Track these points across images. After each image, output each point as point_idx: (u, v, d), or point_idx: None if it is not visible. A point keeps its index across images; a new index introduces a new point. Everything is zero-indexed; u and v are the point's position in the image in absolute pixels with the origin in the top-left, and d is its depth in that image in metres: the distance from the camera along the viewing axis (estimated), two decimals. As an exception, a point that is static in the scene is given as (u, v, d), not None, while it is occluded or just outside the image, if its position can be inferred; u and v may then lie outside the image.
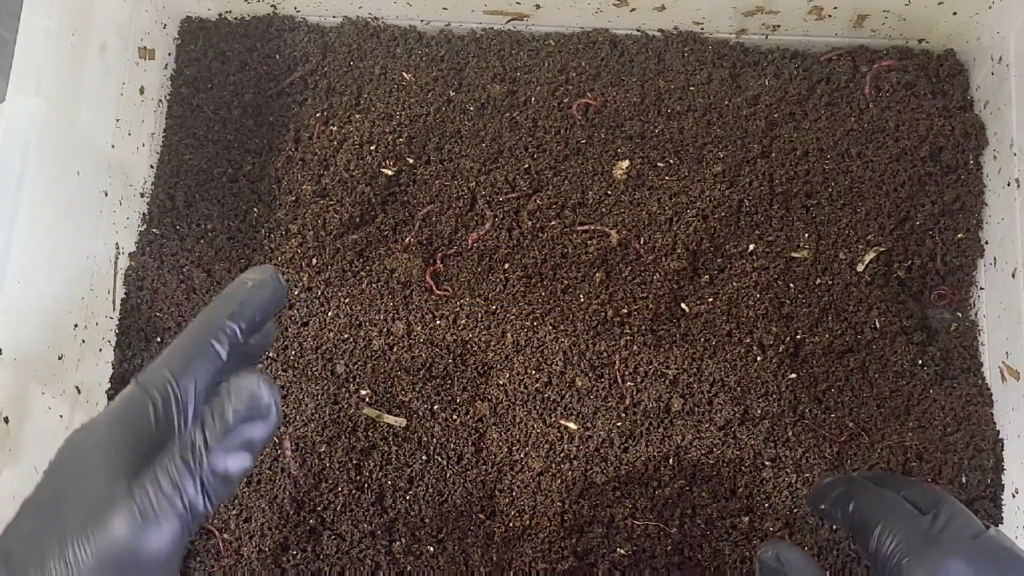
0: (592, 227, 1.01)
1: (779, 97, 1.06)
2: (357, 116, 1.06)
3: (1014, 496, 0.95)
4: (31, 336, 0.86)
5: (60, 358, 0.90)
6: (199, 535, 0.95)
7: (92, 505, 0.59)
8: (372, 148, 1.04)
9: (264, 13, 1.12)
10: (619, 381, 0.97)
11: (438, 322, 0.99)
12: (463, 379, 0.98)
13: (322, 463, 0.95)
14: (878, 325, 1.00)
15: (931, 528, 0.68)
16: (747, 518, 0.94)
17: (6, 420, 0.81)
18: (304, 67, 1.10)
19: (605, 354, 0.98)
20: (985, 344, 1.01)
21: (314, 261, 1.01)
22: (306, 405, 0.96)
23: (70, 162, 0.91)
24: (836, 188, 1.04)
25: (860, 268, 1.01)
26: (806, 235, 1.02)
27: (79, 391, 0.93)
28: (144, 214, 1.04)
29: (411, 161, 1.05)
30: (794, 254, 1.02)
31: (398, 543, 0.93)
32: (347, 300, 1.00)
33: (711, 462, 0.96)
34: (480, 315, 0.99)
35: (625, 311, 1.00)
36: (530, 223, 1.02)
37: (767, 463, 0.96)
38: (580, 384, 0.97)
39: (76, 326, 0.93)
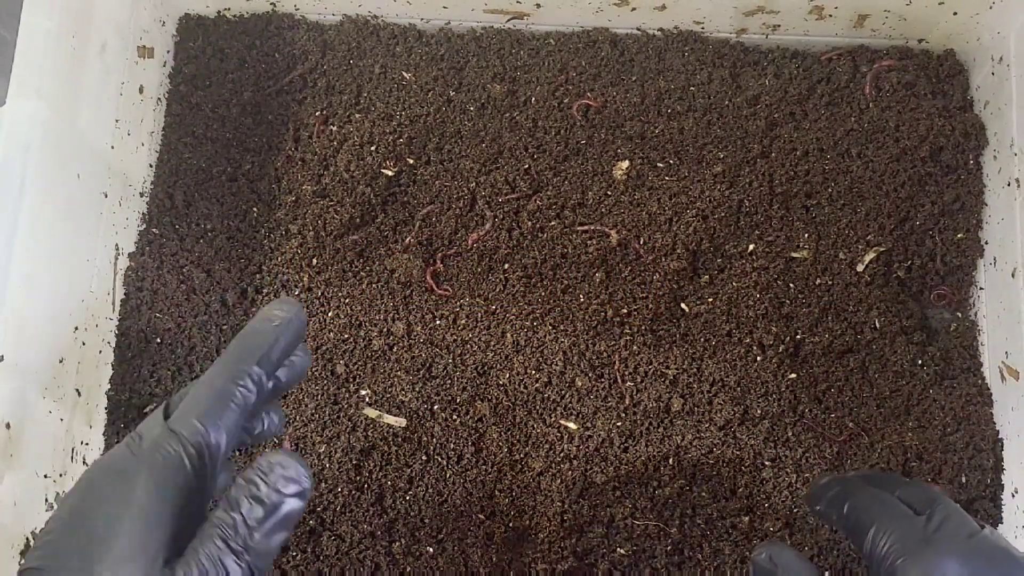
0: (592, 227, 1.01)
1: (779, 97, 1.06)
2: (357, 115, 1.06)
3: (1014, 496, 0.95)
4: (32, 341, 0.86)
5: (61, 361, 0.90)
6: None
7: None
8: (372, 148, 1.03)
9: (263, 10, 1.12)
10: (619, 381, 0.97)
11: (438, 322, 0.99)
12: (463, 379, 0.98)
13: (322, 463, 0.95)
14: (878, 325, 1.00)
15: (926, 528, 0.68)
16: (747, 518, 0.95)
17: (7, 426, 0.81)
18: (303, 65, 1.09)
19: (605, 354, 0.98)
20: (985, 344, 1.02)
21: (314, 261, 1.01)
22: (306, 405, 0.96)
23: (71, 164, 0.91)
24: (836, 188, 1.04)
25: (860, 268, 1.01)
26: (806, 235, 1.02)
27: (79, 394, 0.93)
28: (143, 214, 1.04)
29: (411, 161, 1.05)
30: (794, 254, 1.02)
31: (398, 544, 0.93)
32: (347, 300, 1.00)
33: (711, 462, 0.96)
34: (480, 315, 0.99)
35: (625, 311, 1.00)
36: (530, 223, 1.02)
37: (767, 463, 0.96)
38: (580, 384, 0.97)
39: (76, 329, 0.93)
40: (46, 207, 0.86)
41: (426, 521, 0.94)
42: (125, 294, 1.01)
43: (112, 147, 0.98)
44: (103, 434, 0.97)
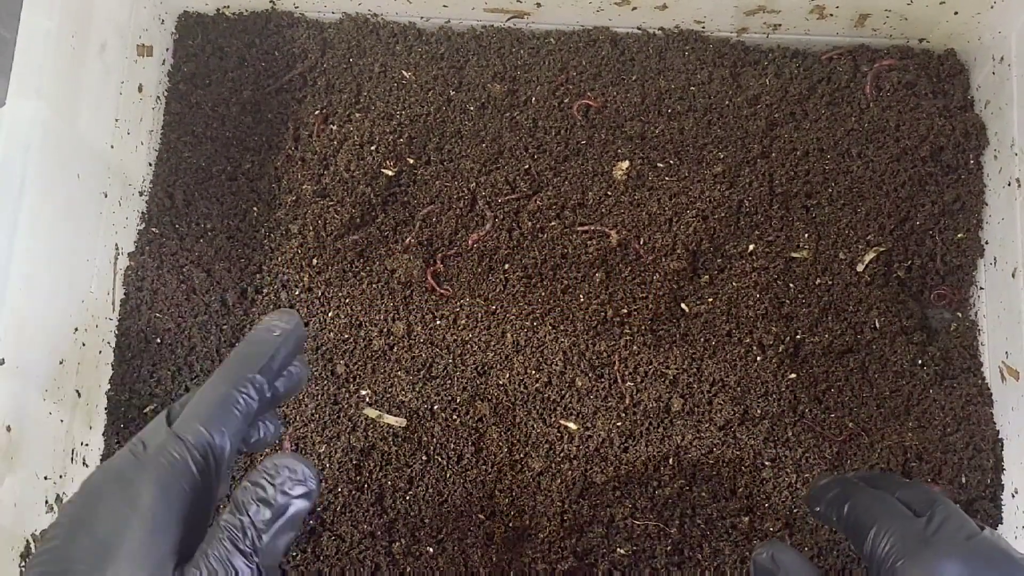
0: (592, 227, 1.01)
1: (780, 97, 1.06)
2: (357, 115, 1.05)
3: (1013, 496, 0.95)
4: (33, 343, 0.86)
5: (61, 363, 0.90)
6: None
7: None
8: (372, 148, 1.03)
9: (262, 8, 1.11)
10: (619, 381, 0.97)
11: (438, 322, 0.99)
12: (463, 379, 0.98)
13: (322, 463, 0.95)
14: (878, 325, 1.00)
15: (925, 530, 0.68)
16: (747, 518, 0.95)
17: (8, 428, 0.81)
18: (303, 64, 1.09)
19: (605, 354, 0.98)
20: (985, 344, 1.02)
21: (314, 261, 1.01)
22: (306, 405, 0.96)
23: (71, 165, 0.91)
24: (836, 188, 1.04)
25: (860, 268, 1.01)
26: (806, 235, 1.02)
27: (79, 395, 0.93)
28: (143, 213, 1.04)
29: (411, 161, 1.04)
30: (794, 254, 1.02)
31: (398, 544, 0.94)
32: (347, 300, 1.00)
33: (711, 462, 0.96)
34: (480, 315, 0.99)
35: (625, 311, 1.00)
36: (530, 223, 1.02)
37: (767, 463, 0.96)
38: (580, 384, 0.97)
39: (76, 330, 0.93)
40: (46, 207, 0.86)
41: (426, 521, 0.94)
42: (125, 294, 1.01)
43: (112, 146, 0.98)
44: (103, 435, 0.97)
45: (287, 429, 0.96)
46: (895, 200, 1.03)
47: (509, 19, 1.09)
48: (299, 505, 0.65)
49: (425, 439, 0.96)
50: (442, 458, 0.96)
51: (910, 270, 1.03)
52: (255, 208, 1.04)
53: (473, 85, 1.07)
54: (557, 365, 0.97)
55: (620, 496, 0.95)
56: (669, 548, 0.94)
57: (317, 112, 1.07)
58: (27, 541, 0.84)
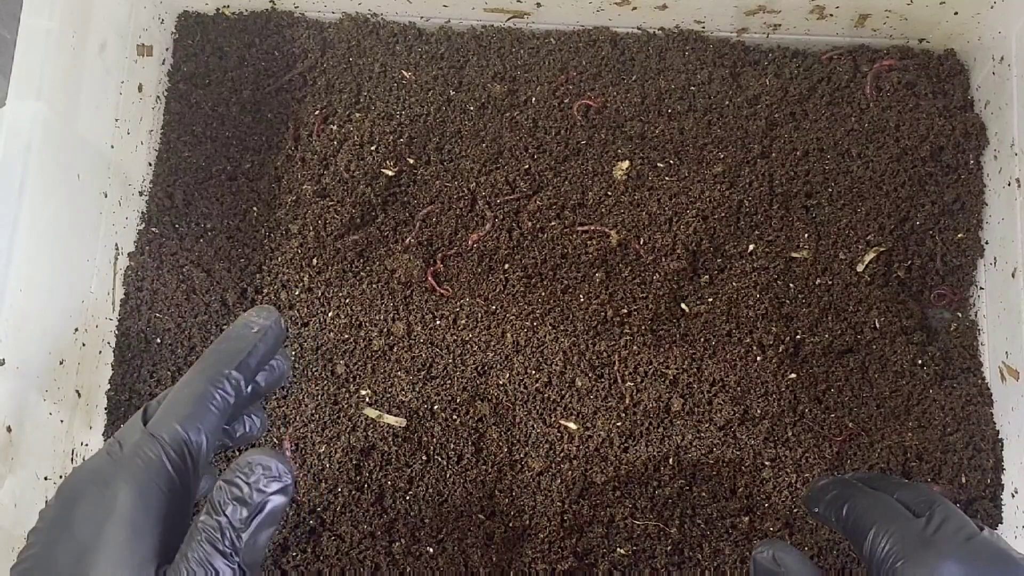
0: (592, 227, 1.01)
1: (780, 97, 1.06)
2: (357, 115, 1.05)
3: (1013, 496, 0.95)
4: (33, 343, 0.86)
5: (61, 363, 0.90)
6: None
7: None
8: (372, 148, 1.03)
9: (262, 8, 1.11)
10: (619, 381, 0.97)
11: (438, 322, 0.99)
12: (463, 379, 0.98)
13: (322, 463, 0.95)
14: (878, 325, 1.00)
15: (924, 531, 0.68)
16: (747, 518, 0.95)
17: (8, 429, 0.81)
18: (303, 64, 1.09)
19: (605, 354, 0.98)
20: (985, 344, 1.02)
21: (314, 261, 1.01)
22: (306, 405, 0.96)
23: (71, 165, 0.91)
24: (836, 188, 1.04)
25: (860, 268, 1.01)
26: (806, 235, 1.02)
27: (79, 395, 0.93)
28: (143, 213, 1.04)
29: (411, 161, 1.04)
30: (794, 254, 1.02)
31: (398, 544, 0.94)
32: (347, 300, 1.00)
33: (711, 462, 0.96)
34: (480, 315, 0.99)
35: (625, 311, 1.00)
36: (530, 224, 1.02)
37: (767, 463, 0.96)
38: (580, 384, 0.97)
39: (76, 330, 0.93)
40: (46, 207, 0.86)
41: (426, 521, 0.94)
42: (125, 294, 1.01)
43: (112, 146, 0.98)
44: (103, 435, 0.97)
45: (287, 429, 0.96)
46: (895, 200, 1.03)
47: (509, 19, 1.09)
48: (276, 501, 0.65)
49: (425, 439, 0.96)
50: (442, 458, 0.96)
51: (910, 270, 1.03)
52: (255, 208, 1.04)
53: (473, 85, 1.07)
54: (557, 365, 0.97)
55: (620, 496, 0.95)
56: (669, 548, 0.94)
57: (317, 112, 1.07)
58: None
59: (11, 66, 0.85)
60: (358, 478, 0.95)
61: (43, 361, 0.87)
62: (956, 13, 1.02)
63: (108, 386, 0.98)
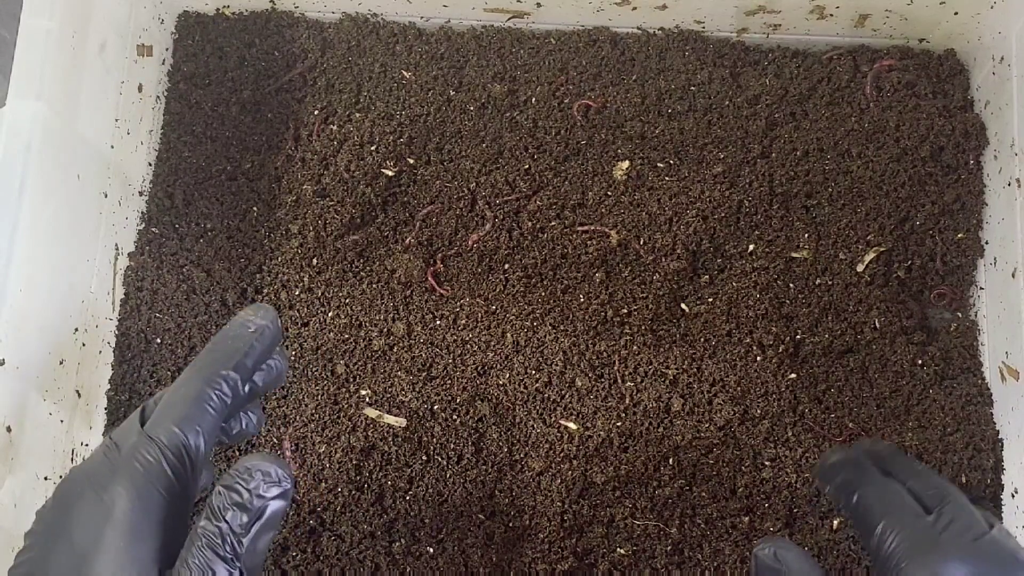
0: (592, 227, 1.01)
1: (780, 96, 1.06)
2: (357, 115, 1.05)
3: (1013, 496, 0.95)
4: (33, 344, 0.85)
5: (61, 363, 0.90)
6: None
7: None
8: (372, 148, 1.03)
9: (262, 8, 1.11)
10: (619, 381, 0.97)
11: (438, 322, 0.99)
12: (463, 379, 0.98)
13: (322, 463, 0.95)
14: (878, 325, 1.00)
15: (932, 529, 0.68)
16: (747, 518, 0.95)
17: (8, 429, 0.81)
18: (303, 64, 1.09)
19: (605, 354, 0.98)
20: (985, 344, 1.02)
21: (314, 261, 1.01)
22: (306, 405, 0.96)
23: (71, 165, 0.91)
24: (836, 188, 1.04)
25: (860, 268, 1.01)
26: (806, 235, 1.02)
27: (79, 395, 0.93)
28: (143, 213, 1.04)
29: (411, 161, 1.04)
30: (794, 254, 1.02)
31: (398, 544, 0.94)
32: (347, 300, 1.00)
33: (711, 462, 0.96)
34: (480, 315, 0.99)
35: (625, 311, 1.00)
36: (530, 224, 1.02)
37: (767, 463, 0.96)
38: (580, 384, 0.97)
39: (76, 330, 0.93)
40: (46, 207, 0.86)
41: (426, 521, 0.94)
42: (125, 294, 1.01)
43: (112, 146, 0.98)
44: (103, 435, 0.97)
45: (287, 429, 0.96)
46: (895, 200, 1.03)
47: (509, 19, 1.09)
48: (275, 506, 0.64)
49: (425, 439, 0.96)
50: (442, 458, 0.95)
51: (910, 270, 1.03)
52: (255, 208, 1.04)
53: (473, 85, 1.07)
54: (557, 365, 0.97)
55: (620, 496, 0.95)
56: (669, 548, 0.94)
57: (317, 112, 1.07)
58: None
59: (11, 66, 0.85)
60: (358, 478, 0.95)
61: (43, 361, 0.87)
62: (956, 13, 1.02)
63: (108, 386, 0.98)
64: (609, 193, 1.03)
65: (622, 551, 0.94)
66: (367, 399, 0.97)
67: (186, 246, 1.02)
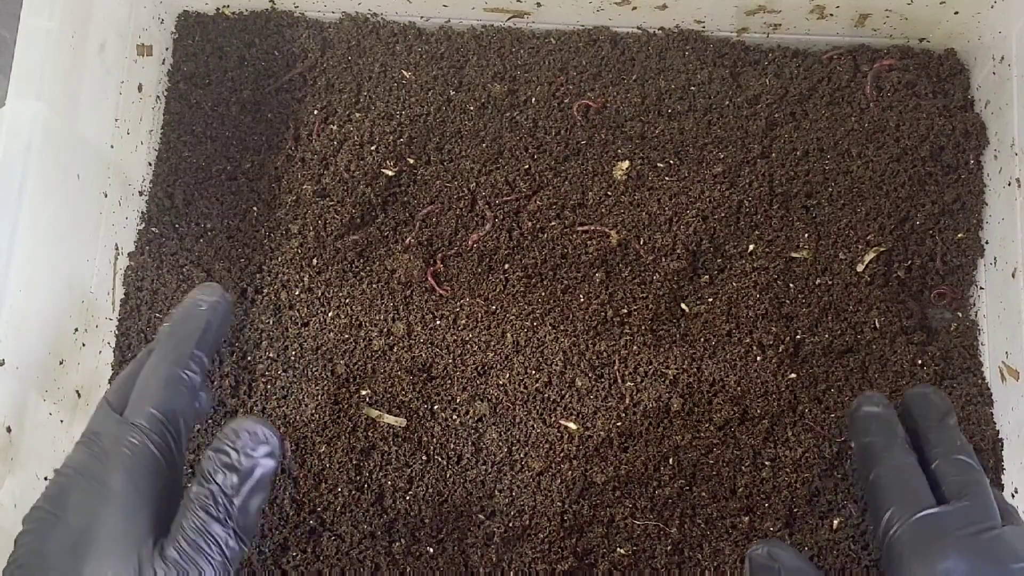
0: (592, 227, 1.01)
1: (780, 97, 1.06)
2: (357, 115, 1.05)
3: (1013, 496, 0.95)
4: (33, 344, 0.85)
5: (61, 363, 0.90)
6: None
7: None
8: (372, 148, 1.03)
9: (262, 7, 1.11)
10: (619, 381, 0.97)
11: (438, 322, 0.99)
12: (463, 379, 0.98)
13: (322, 463, 0.95)
14: (878, 325, 1.00)
15: (939, 522, 0.68)
16: (747, 518, 0.95)
17: (8, 430, 0.81)
18: (303, 63, 1.09)
19: (605, 354, 0.98)
20: (985, 344, 1.02)
21: (314, 261, 1.01)
22: (306, 405, 0.96)
23: (71, 165, 0.91)
24: (836, 188, 1.04)
25: (860, 268, 1.01)
26: (806, 235, 1.02)
27: (79, 395, 0.93)
28: (143, 212, 1.04)
29: (411, 161, 1.04)
30: (794, 254, 1.02)
31: (398, 544, 0.94)
32: (347, 300, 1.00)
33: (711, 462, 0.96)
34: (480, 315, 0.99)
35: (625, 311, 1.00)
36: (530, 224, 1.02)
37: (767, 463, 0.96)
38: (580, 384, 0.97)
39: (76, 330, 0.93)
40: (46, 207, 0.86)
41: (426, 521, 0.94)
42: (125, 294, 1.01)
43: (112, 146, 0.98)
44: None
45: (287, 429, 0.96)
46: (895, 200, 1.03)
47: (509, 19, 1.09)
48: (265, 465, 0.66)
49: (425, 439, 0.96)
50: (442, 458, 0.96)
51: (910, 270, 1.03)
52: (255, 208, 1.04)
53: (473, 85, 1.07)
54: (557, 365, 0.97)
55: (620, 496, 0.95)
56: (669, 548, 0.94)
57: (317, 112, 1.07)
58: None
59: (11, 66, 0.85)
60: (358, 478, 0.95)
61: (43, 361, 0.87)
62: (956, 13, 1.02)
63: (108, 386, 0.98)
64: (609, 193, 1.03)
65: (622, 551, 0.94)
66: (367, 399, 0.97)
67: (186, 246, 1.02)
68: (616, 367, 0.97)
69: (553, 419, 0.96)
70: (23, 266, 0.83)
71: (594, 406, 0.96)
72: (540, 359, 0.98)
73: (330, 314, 0.99)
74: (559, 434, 0.96)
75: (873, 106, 1.06)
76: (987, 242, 1.03)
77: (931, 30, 1.06)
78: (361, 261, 1.02)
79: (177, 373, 0.69)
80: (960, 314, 1.03)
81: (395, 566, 0.93)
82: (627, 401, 0.97)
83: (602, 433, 0.95)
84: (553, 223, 1.01)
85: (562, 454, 0.95)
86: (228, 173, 1.06)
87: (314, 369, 0.98)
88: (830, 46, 1.09)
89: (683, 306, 1.01)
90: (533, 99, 1.06)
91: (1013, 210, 0.97)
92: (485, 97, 1.06)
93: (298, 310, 1.00)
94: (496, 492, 0.95)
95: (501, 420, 0.96)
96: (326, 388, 0.97)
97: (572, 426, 0.96)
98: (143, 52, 1.03)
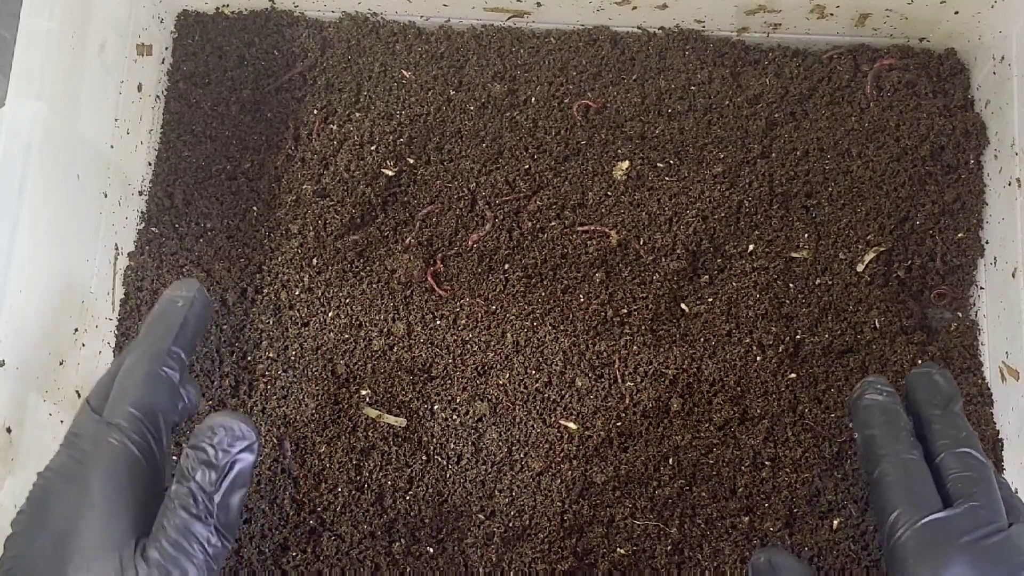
0: (592, 227, 1.01)
1: (780, 96, 1.06)
2: (357, 115, 1.05)
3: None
4: (33, 344, 0.85)
5: (61, 363, 0.89)
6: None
7: None
8: (372, 148, 1.03)
9: (262, 7, 1.11)
10: (619, 381, 0.97)
11: (438, 322, 0.99)
12: (463, 379, 0.98)
13: (322, 463, 0.95)
14: (878, 325, 1.00)
15: (945, 526, 0.67)
16: (747, 518, 0.95)
17: (8, 430, 0.81)
18: (303, 63, 1.09)
19: (605, 354, 0.98)
20: (985, 344, 1.02)
21: (314, 261, 1.01)
22: (306, 405, 0.96)
23: (71, 165, 0.90)
24: (836, 188, 1.04)
25: (860, 268, 1.01)
26: (806, 235, 1.02)
27: (79, 395, 0.93)
28: (143, 212, 1.04)
29: (411, 161, 1.04)
30: (794, 254, 1.02)
31: (398, 544, 0.94)
32: (347, 300, 1.00)
33: (710, 462, 0.96)
34: (480, 315, 0.99)
35: (625, 311, 1.00)
36: (530, 224, 1.02)
37: (766, 463, 0.96)
38: (580, 384, 0.97)
39: (76, 330, 0.92)
40: (46, 207, 0.86)
41: (426, 521, 0.94)
42: (125, 294, 1.01)
43: (111, 146, 0.98)
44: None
45: (287, 429, 0.96)
46: (895, 200, 1.03)
47: (509, 19, 1.09)
48: (244, 460, 0.66)
49: (425, 439, 0.96)
50: (442, 458, 0.96)
51: (910, 270, 1.03)
52: (255, 208, 1.04)
53: (473, 85, 1.07)
54: (557, 365, 0.97)
55: (620, 496, 0.95)
56: (669, 548, 0.94)
57: (317, 112, 1.07)
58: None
59: (11, 66, 0.85)
60: (358, 478, 0.95)
61: (43, 361, 0.87)
62: (956, 12, 1.02)
63: (107, 386, 0.98)
64: (609, 193, 1.03)
65: (622, 551, 0.94)
66: (367, 399, 0.97)
67: (186, 246, 1.02)
68: (616, 367, 0.97)
69: (553, 419, 0.96)
70: (23, 266, 0.83)
71: (594, 406, 0.96)
72: (540, 359, 0.98)
73: (330, 314, 0.99)
74: (559, 434, 0.96)
75: (873, 106, 1.06)
76: (987, 242, 1.03)
77: (931, 30, 1.06)
78: (361, 261, 1.01)
79: (155, 371, 0.69)
80: (960, 314, 1.03)
81: (395, 566, 0.93)
82: (627, 401, 0.97)
83: (602, 433, 0.95)
84: (553, 223, 1.01)
85: (562, 454, 0.95)
86: (228, 173, 1.06)
87: (314, 369, 0.98)
88: (830, 46, 1.09)
89: (683, 306, 1.01)
90: (533, 99, 1.06)
91: (1013, 210, 0.97)
92: (485, 97, 1.06)
93: (298, 310, 1.00)
94: (496, 492, 0.95)
95: (501, 420, 0.96)
96: (326, 388, 0.97)
97: (572, 426, 0.96)
98: (143, 52, 1.03)
